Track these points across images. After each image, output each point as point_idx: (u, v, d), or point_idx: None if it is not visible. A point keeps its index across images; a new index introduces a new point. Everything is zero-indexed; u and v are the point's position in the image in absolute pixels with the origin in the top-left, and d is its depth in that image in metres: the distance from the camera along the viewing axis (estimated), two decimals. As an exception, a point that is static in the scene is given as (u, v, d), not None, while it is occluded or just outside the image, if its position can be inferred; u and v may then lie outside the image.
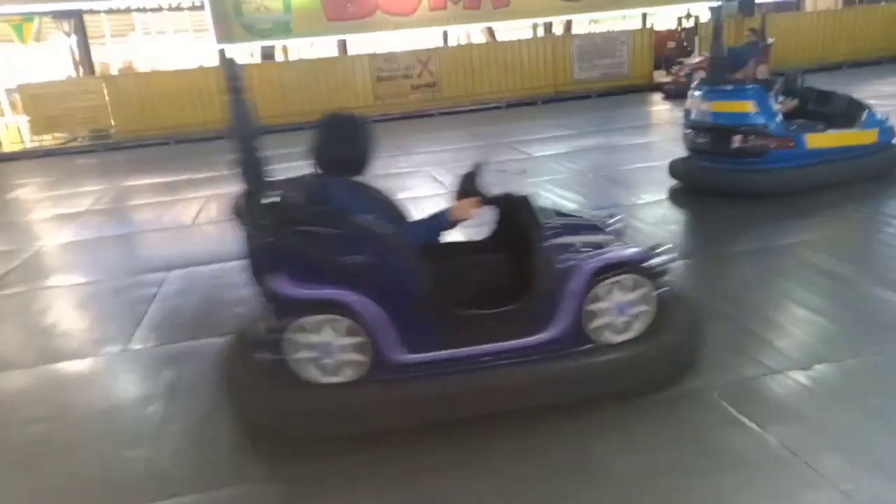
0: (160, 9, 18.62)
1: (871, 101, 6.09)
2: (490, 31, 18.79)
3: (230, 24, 14.09)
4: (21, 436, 2.98)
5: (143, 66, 21.53)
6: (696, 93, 5.85)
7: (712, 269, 4.31)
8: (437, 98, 14.59)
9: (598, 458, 2.46)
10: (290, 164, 9.81)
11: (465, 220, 2.66)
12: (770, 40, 12.90)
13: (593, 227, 2.96)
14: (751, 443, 2.46)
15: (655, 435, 2.57)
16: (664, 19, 20.63)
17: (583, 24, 21.89)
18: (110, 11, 18.36)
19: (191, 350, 3.69)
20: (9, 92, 15.82)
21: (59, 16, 14.88)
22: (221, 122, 13.83)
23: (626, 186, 6.50)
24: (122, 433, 2.91)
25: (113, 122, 13.62)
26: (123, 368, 3.56)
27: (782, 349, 3.11)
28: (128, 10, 18.83)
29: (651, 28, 16.12)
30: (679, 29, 17.53)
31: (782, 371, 2.91)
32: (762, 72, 12.16)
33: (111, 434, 2.91)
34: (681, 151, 6.20)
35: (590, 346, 2.70)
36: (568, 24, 18.37)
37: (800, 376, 2.87)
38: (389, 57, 14.58)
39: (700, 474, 2.33)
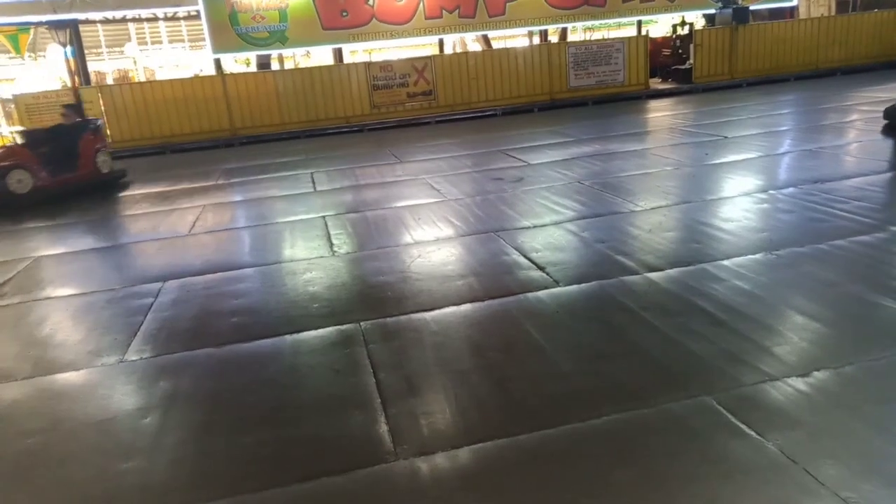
0: (156, 18, 18.66)
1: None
2: (485, 39, 18.87)
3: (226, 33, 14.15)
4: (16, 448, 2.96)
5: (138, 76, 21.57)
6: None
7: None
8: (434, 106, 14.63)
9: (597, 466, 2.45)
10: (288, 173, 9.85)
11: None
12: (97, 121, 10.29)
13: None
14: (750, 450, 2.45)
15: (654, 443, 2.56)
16: (659, 27, 20.75)
17: (578, 31, 22.01)
18: (106, 22, 18.40)
19: (187, 361, 3.67)
20: (4, 102, 15.79)
21: (54, 26, 14.89)
22: (216, 132, 13.84)
23: (623, 193, 6.51)
24: (117, 445, 2.89)
25: (108, 132, 13.61)
26: (119, 380, 3.53)
27: (781, 356, 3.11)
28: (123, 21, 18.87)
29: (646, 35, 16.20)
30: (674, 36, 17.61)
31: (781, 378, 2.91)
32: (105, 163, 9.54)
33: (107, 446, 2.89)
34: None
35: None
36: (563, 32, 18.44)
37: (799, 383, 2.86)
38: (385, 65, 14.63)
39: (699, 482, 2.31)
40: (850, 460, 2.34)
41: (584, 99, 14.88)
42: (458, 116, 14.36)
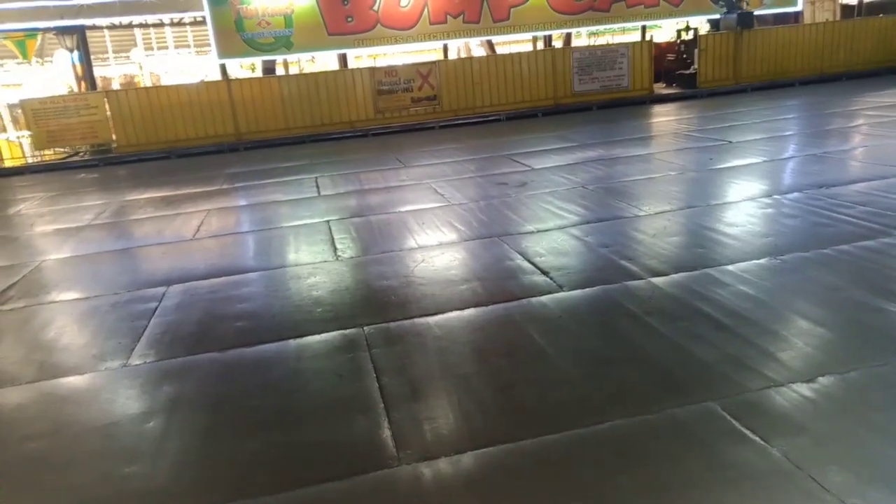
0: (162, 24, 18.77)
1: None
2: (490, 45, 18.90)
3: (232, 39, 14.22)
4: (20, 452, 2.97)
5: (144, 81, 21.67)
6: None
7: None
8: (438, 111, 14.65)
9: (601, 472, 2.44)
10: (292, 178, 9.87)
11: None
12: None
13: None
14: (755, 456, 2.44)
15: (658, 448, 2.55)
16: (664, 32, 20.74)
17: (582, 36, 22.02)
18: (112, 27, 18.51)
19: (191, 365, 3.68)
20: (11, 107, 15.91)
21: (61, 32, 14.99)
22: (222, 137, 13.88)
23: (627, 198, 6.50)
24: (121, 449, 2.89)
25: (114, 137, 13.67)
26: (123, 384, 3.54)
27: (785, 361, 3.09)
28: (130, 26, 18.98)
29: (651, 40, 16.19)
30: (678, 41, 17.60)
31: (786, 384, 2.90)
32: None
33: (110, 450, 2.89)
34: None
35: None
36: (567, 37, 18.46)
37: (804, 389, 2.85)
38: (390, 70, 14.65)
39: (704, 488, 2.30)
40: (856, 467, 2.33)
41: (588, 104, 14.88)
42: (462, 121, 14.37)
